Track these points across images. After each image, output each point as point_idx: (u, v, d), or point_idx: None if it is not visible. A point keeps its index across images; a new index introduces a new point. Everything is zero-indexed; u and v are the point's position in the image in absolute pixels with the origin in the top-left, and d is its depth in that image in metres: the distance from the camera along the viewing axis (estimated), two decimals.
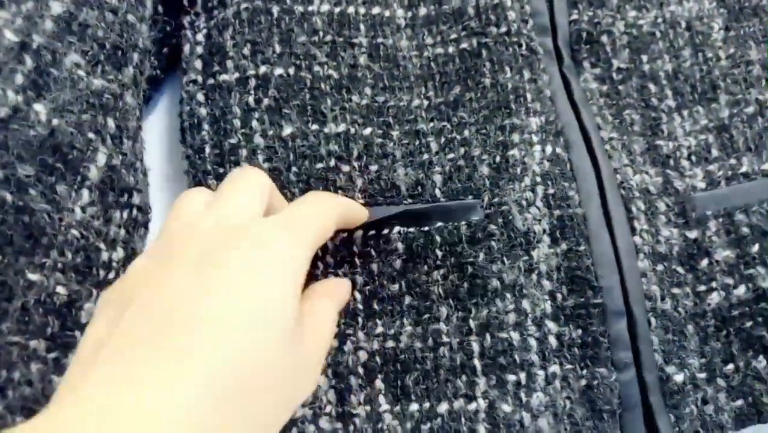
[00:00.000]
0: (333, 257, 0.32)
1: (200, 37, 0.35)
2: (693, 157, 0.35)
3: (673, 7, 0.39)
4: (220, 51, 0.34)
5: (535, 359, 0.30)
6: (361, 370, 0.31)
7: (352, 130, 0.33)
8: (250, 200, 0.24)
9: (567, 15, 0.38)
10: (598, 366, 0.30)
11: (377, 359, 0.31)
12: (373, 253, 0.32)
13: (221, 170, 0.32)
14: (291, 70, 0.34)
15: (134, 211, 0.31)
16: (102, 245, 0.28)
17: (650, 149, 0.36)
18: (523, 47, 0.36)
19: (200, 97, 0.34)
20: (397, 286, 0.31)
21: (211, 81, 0.34)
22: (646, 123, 0.36)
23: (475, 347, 0.31)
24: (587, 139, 0.34)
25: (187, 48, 0.35)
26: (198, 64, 0.34)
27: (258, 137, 0.32)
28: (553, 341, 0.31)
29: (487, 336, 0.31)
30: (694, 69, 0.37)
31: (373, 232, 0.32)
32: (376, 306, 0.31)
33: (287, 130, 0.33)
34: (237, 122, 0.33)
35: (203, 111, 0.33)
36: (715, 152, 0.36)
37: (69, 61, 0.28)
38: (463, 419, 0.30)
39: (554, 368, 0.30)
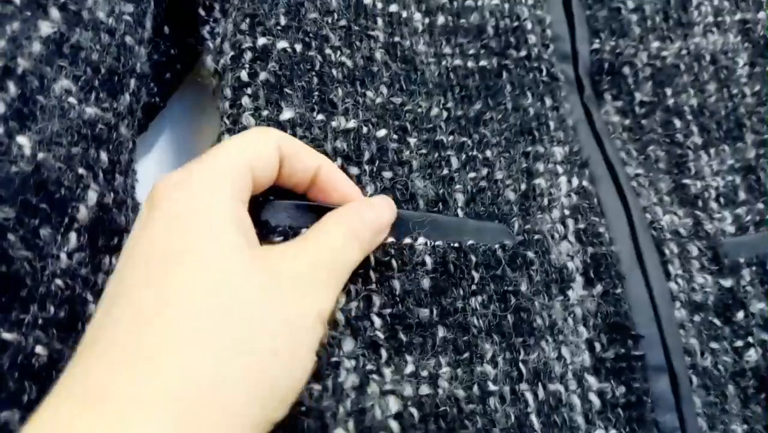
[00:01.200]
0: None
1: (220, 42, 0.31)
2: (721, 199, 0.33)
3: (698, 39, 0.37)
4: (224, 39, 0.30)
5: (580, 421, 0.26)
6: (395, 426, 0.23)
7: (365, 130, 0.29)
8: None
9: (588, 44, 0.36)
10: (644, 431, 0.26)
11: (412, 410, 0.23)
12: (393, 264, 0.26)
13: None
14: (298, 47, 0.29)
15: None
16: (89, 296, 0.25)
17: (677, 188, 0.33)
18: (544, 73, 0.33)
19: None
20: (427, 311, 0.25)
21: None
22: (671, 160, 0.34)
23: (530, 398, 0.25)
24: (613, 175, 0.32)
25: (208, 59, 0.31)
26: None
27: (248, 116, 0.27)
28: (594, 399, 0.27)
29: (540, 386, 0.26)
30: (719, 105, 0.36)
31: (391, 239, 0.26)
32: (402, 336, 0.25)
33: (287, 114, 0.27)
34: (226, 105, 0.28)
35: None
36: (742, 195, 0.34)
37: (59, 87, 0.25)
38: None
39: None
